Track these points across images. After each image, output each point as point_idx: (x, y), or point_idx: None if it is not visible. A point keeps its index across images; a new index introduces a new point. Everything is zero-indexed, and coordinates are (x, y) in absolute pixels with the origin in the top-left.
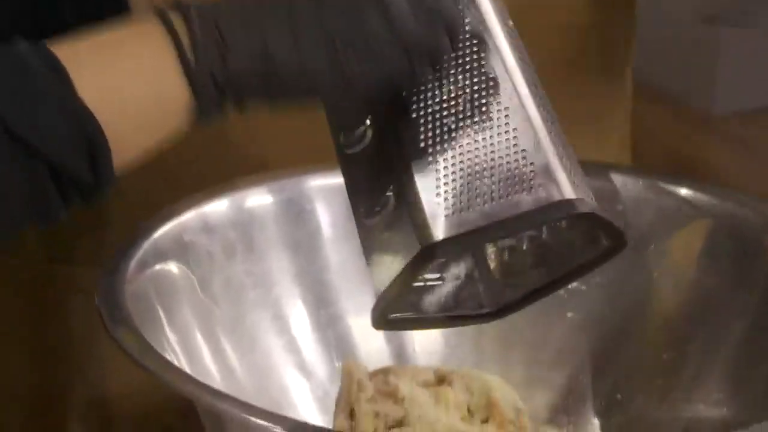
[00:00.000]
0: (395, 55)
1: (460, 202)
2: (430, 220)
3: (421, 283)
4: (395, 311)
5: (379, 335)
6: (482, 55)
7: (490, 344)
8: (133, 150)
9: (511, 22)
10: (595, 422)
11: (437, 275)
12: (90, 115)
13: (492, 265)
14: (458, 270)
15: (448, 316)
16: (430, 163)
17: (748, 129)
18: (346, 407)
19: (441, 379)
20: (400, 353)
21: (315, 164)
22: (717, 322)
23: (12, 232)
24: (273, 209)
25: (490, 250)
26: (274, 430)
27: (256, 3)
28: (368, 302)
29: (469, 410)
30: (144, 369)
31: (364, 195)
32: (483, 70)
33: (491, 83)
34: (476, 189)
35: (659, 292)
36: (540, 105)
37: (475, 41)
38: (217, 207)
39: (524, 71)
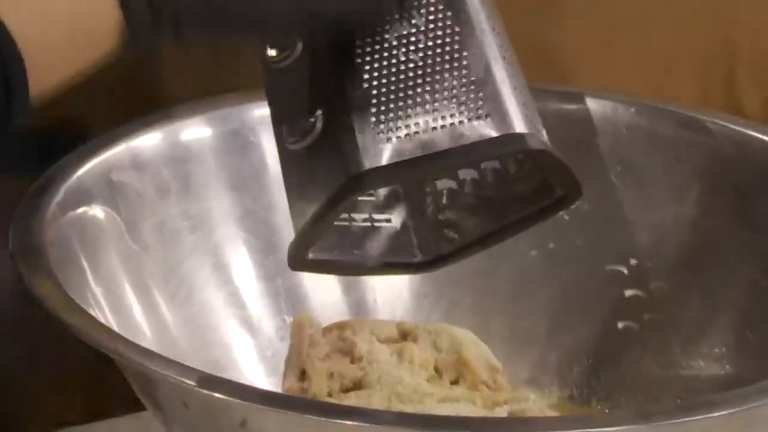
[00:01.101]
0: None
1: (396, 129)
2: (360, 148)
3: (347, 223)
4: (316, 251)
5: (335, 285)
6: None
7: (462, 294)
8: (53, 74)
9: None
10: (583, 382)
11: (366, 215)
12: (4, 31)
13: (429, 209)
14: (391, 213)
15: (377, 263)
16: (365, 83)
17: None
18: (297, 367)
19: (405, 335)
20: (359, 305)
21: (260, 89)
22: (720, 267)
23: None
24: (213, 142)
25: (429, 192)
26: (213, 395)
27: None
28: None
29: (436, 369)
30: (64, 324)
31: (289, 115)
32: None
33: (444, 4)
34: (415, 116)
35: (653, 232)
36: (497, 36)
37: None
38: (149, 140)
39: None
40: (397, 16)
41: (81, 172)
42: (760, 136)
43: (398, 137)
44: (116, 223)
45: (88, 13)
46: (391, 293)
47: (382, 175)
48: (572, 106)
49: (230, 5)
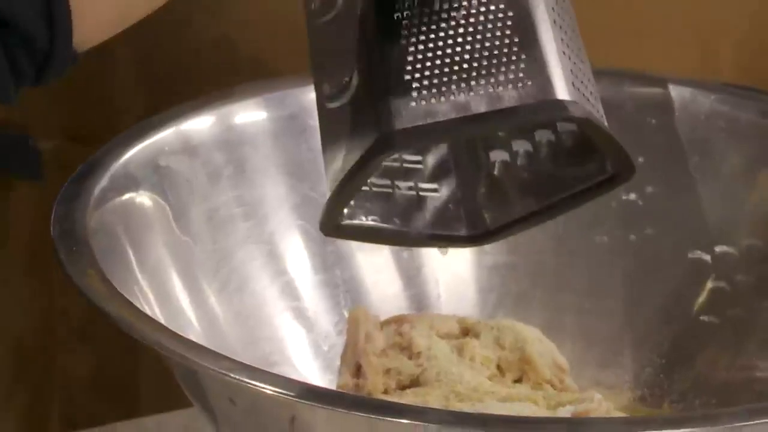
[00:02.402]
0: None
1: (432, 89)
2: (393, 106)
3: (390, 189)
4: (354, 216)
5: (396, 278)
6: None
7: (531, 290)
8: (96, 15)
9: None
10: (655, 383)
11: (412, 183)
12: None
13: (480, 181)
14: (440, 183)
15: (421, 234)
16: (402, 39)
17: None
18: (352, 363)
19: (466, 330)
20: (421, 299)
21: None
22: None
23: None
24: (269, 126)
25: (480, 163)
26: (262, 390)
27: None
28: None
29: (499, 367)
30: (106, 316)
31: (329, 72)
32: None
33: None
34: (452, 76)
35: (732, 225)
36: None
37: None
38: (201, 123)
39: None
40: None
41: (127, 156)
42: None
43: (433, 98)
44: (164, 211)
45: None
46: (455, 287)
47: (412, 135)
48: (650, 90)
49: None
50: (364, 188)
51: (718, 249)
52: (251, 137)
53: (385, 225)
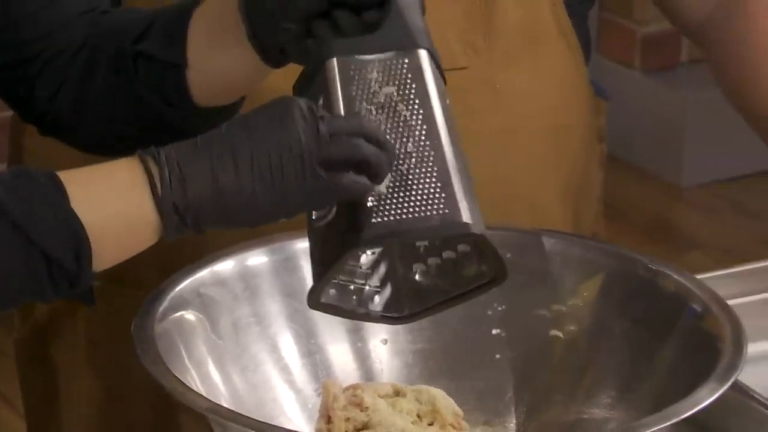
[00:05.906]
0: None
1: (384, 214)
2: (358, 224)
3: (350, 284)
4: (328, 298)
5: (353, 359)
6: (420, 114)
7: (439, 365)
8: (109, 253)
9: (448, 101)
10: (520, 424)
11: (363, 281)
12: (77, 220)
13: (407, 282)
14: (380, 282)
15: (368, 314)
16: None
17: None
18: (325, 415)
19: (397, 392)
20: (369, 373)
21: (300, 231)
22: (608, 346)
23: (10, 304)
24: (271, 265)
25: (407, 270)
26: None
27: (204, 143)
28: (344, 333)
29: (418, 416)
30: (166, 389)
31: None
32: (419, 126)
33: (423, 136)
34: (396, 205)
35: (566, 322)
36: (457, 157)
37: (418, 106)
38: (226, 265)
39: (450, 130)
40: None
41: (180, 287)
42: (641, 261)
43: (383, 219)
44: (203, 322)
45: (135, 215)
46: (391, 365)
47: (372, 242)
48: (526, 239)
49: (235, 213)
50: (334, 281)
51: (554, 307)
52: (260, 272)
53: (346, 306)
